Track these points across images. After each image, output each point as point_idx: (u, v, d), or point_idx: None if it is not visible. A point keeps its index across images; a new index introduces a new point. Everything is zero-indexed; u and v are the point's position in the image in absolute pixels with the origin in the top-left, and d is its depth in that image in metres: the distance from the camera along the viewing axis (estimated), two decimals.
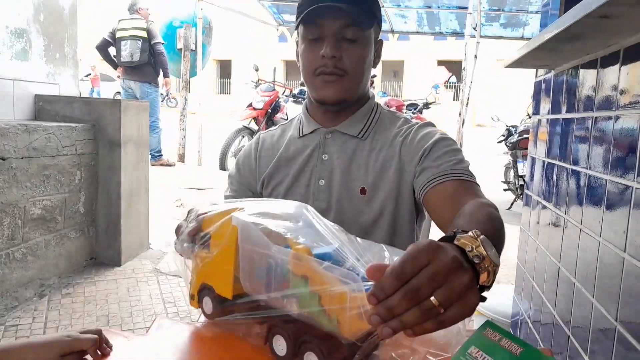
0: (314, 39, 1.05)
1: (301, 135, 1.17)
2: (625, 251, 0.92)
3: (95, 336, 0.72)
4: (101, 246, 2.94)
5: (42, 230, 2.47)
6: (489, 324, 0.76)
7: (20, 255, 2.33)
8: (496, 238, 0.70)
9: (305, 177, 1.13)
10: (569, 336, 1.20)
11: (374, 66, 1.13)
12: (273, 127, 1.27)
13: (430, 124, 1.12)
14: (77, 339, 0.71)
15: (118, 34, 5.59)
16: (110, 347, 0.74)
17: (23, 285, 2.36)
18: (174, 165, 6.18)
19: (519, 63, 1.40)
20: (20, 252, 2.33)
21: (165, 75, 5.94)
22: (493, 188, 6.36)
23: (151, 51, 5.65)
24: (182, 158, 6.69)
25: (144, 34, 5.60)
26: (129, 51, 5.57)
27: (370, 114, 1.14)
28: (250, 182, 1.20)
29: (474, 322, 2.22)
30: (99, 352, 0.73)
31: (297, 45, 1.12)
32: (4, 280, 2.23)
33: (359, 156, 1.10)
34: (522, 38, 6.30)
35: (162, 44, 5.74)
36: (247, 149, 1.25)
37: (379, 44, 1.13)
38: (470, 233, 0.60)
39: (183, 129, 6.74)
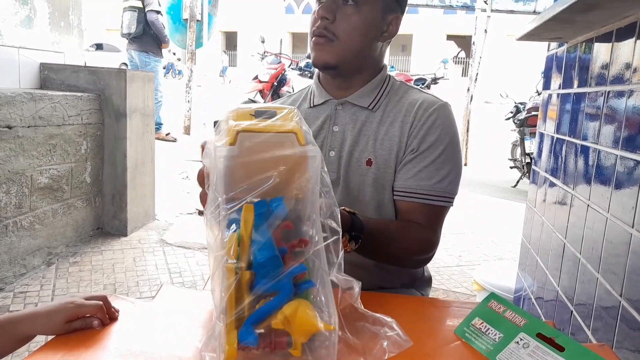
0: (320, 0, 1.04)
1: (312, 105, 1.15)
2: (633, 227, 0.91)
3: (100, 302, 0.73)
4: (107, 216, 2.96)
5: (49, 199, 2.49)
6: (493, 296, 0.77)
7: (28, 223, 2.35)
8: (374, 240, 0.92)
9: None
10: (572, 312, 1.21)
11: (383, 40, 1.09)
12: (283, 98, 1.25)
13: (445, 109, 1.07)
14: (81, 305, 0.72)
15: (122, 5, 5.56)
16: (117, 312, 0.75)
17: (31, 253, 2.39)
18: (174, 140, 6.05)
19: (531, 35, 1.37)
20: (27, 220, 2.35)
21: (163, 42, 5.82)
22: (499, 165, 6.34)
23: (147, 21, 5.60)
24: (187, 131, 6.67)
25: (139, 4, 5.54)
26: (127, 22, 5.54)
27: (382, 86, 1.11)
28: None
29: (477, 296, 2.24)
30: (107, 317, 0.74)
31: None
32: (13, 248, 2.26)
33: (368, 128, 1.08)
34: (534, 12, 6.16)
35: (156, 12, 5.60)
36: None
37: (393, 18, 1.08)
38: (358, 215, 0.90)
39: (189, 101, 6.71)
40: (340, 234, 0.64)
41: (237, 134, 0.61)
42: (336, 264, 0.63)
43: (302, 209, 0.63)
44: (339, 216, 0.65)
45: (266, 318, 0.58)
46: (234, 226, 0.61)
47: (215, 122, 0.69)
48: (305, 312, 0.58)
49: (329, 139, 1.10)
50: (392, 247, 0.98)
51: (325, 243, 0.62)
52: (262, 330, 0.58)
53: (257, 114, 0.66)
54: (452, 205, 1.07)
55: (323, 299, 0.60)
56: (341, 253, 0.64)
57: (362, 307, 0.66)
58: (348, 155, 1.08)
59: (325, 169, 0.66)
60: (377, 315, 0.68)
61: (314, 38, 1.04)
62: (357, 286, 0.65)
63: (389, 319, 0.67)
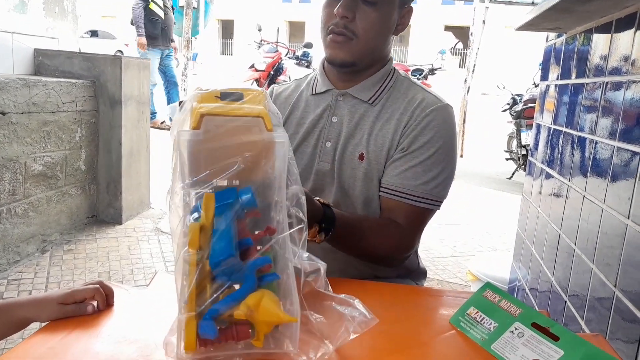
0: None
1: (314, 93, 1.14)
2: (628, 218, 0.91)
3: (96, 286, 0.73)
4: (102, 204, 2.95)
5: (43, 186, 2.47)
6: (488, 286, 0.77)
7: (22, 210, 2.34)
8: (346, 235, 0.94)
9: (313, 138, 1.11)
10: (565, 302, 1.21)
11: (396, 33, 1.08)
12: (287, 82, 1.24)
13: (443, 111, 1.05)
14: (76, 289, 0.72)
15: None
16: (112, 296, 0.75)
17: (25, 241, 2.38)
18: (169, 129, 6.08)
19: (530, 25, 1.36)
20: (21, 207, 2.34)
21: (138, 34, 5.69)
22: (495, 157, 6.35)
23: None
24: None
25: None
26: None
27: (385, 80, 1.10)
28: None
29: (472, 287, 2.25)
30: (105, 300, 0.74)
31: None
32: (6, 235, 2.25)
33: (365, 122, 1.07)
34: (533, 4, 6.14)
35: None
36: None
37: (405, 11, 1.07)
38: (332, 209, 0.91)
39: (184, 90, 6.67)
40: (306, 222, 0.63)
41: (201, 117, 0.59)
42: (299, 251, 0.62)
43: (269, 196, 0.62)
44: (305, 204, 0.64)
45: (228, 309, 0.57)
46: (195, 214, 0.59)
47: (180, 102, 0.68)
48: (269, 303, 0.57)
49: (327, 129, 1.10)
50: (364, 242, 0.99)
51: (290, 231, 0.61)
52: (224, 322, 0.57)
53: (223, 96, 0.64)
54: (438, 209, 1.05)
55: (286, 288, 0.59)
56: (304, 236, 0.62)
57: (330, 289, 0.65)
58: (342, 147, 1.07)
59: (293, 155, 0.65)
60: (342, 296, 0.67)
61: (331, 35, 1.02)
62: (322, 268, 0.63)
63: (353, 300, 0.66)
